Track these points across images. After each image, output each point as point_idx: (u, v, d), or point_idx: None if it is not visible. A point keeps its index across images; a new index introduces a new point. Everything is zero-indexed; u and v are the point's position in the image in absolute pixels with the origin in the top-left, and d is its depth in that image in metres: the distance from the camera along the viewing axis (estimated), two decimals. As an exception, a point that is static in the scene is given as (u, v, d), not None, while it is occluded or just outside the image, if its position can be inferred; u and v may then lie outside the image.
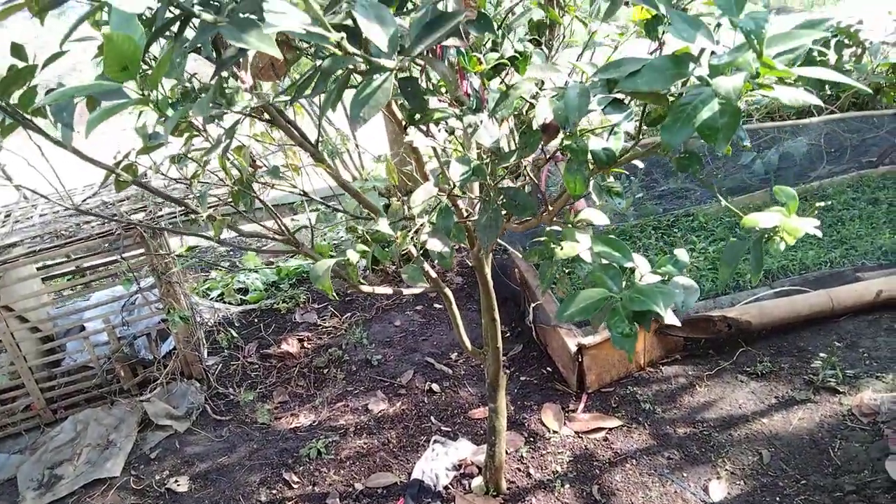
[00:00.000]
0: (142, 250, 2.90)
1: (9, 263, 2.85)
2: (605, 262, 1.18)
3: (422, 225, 1.15)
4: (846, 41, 4.53)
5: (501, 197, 1.14)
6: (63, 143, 1.21)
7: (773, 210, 0.97)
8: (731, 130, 0.86)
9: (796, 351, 2.70)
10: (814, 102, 0.88)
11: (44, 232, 3.02)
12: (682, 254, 1.15)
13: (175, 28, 0.85)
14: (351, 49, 0.81)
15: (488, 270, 1.84)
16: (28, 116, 1.20)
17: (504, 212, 1.16)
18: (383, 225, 1.13)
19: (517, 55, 1.05)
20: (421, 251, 1.38)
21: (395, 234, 1.14)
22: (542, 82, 1.09)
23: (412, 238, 1.29)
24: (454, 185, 1.15)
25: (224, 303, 4.00)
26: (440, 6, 0.92)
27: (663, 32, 1.18)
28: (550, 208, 1.43)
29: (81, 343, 3.24)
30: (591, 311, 1.09)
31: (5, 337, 2.93)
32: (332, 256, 1.29)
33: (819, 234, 1.00)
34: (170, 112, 0.95)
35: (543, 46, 1.43)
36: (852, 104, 4.67)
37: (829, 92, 4.58)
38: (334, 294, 1.22)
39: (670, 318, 1.10)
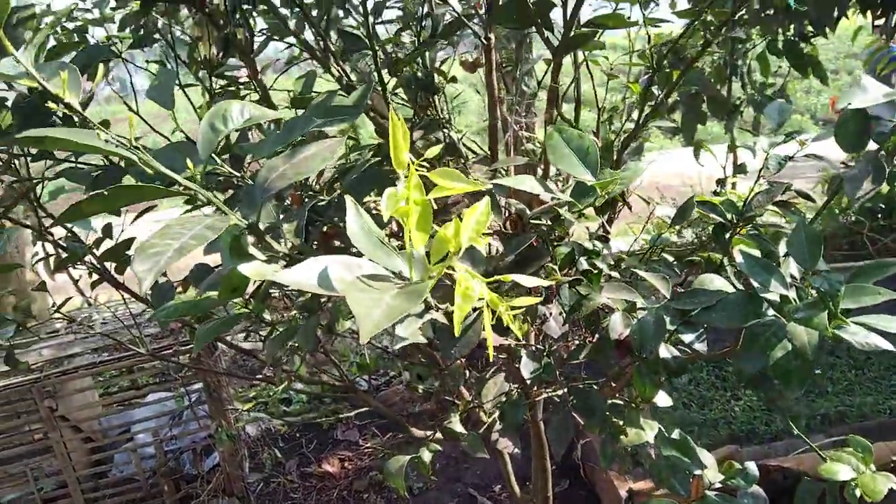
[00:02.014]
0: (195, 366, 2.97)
1: (68, 375, 2.95)
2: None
3: (493, 421, 1.19)
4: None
5: (572, 398, 1.17)
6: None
7: (847, 453, 0.98)
8: (804, 375, 0.89)
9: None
10: (885, 347, 0.91)
11: (104, 343, 3.13)
12: (752, 467, 1.16)
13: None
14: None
15: (541, 415, 1.84)
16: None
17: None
18: (456, 424, 1.17)
19: (591, 269, 1.11)
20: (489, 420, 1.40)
21: (465, 432, 1.17)
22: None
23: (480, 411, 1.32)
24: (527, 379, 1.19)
25: (267, 413, 4.03)
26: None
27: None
28: (613, 385, 1.45)
29: (129, 455, 3.28)
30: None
31: (58, 447, 3.00)
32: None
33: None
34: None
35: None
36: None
37: None
38: (405, 492, 1.25)
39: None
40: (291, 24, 1.12)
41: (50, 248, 1.54)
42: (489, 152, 1.57)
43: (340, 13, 1.25)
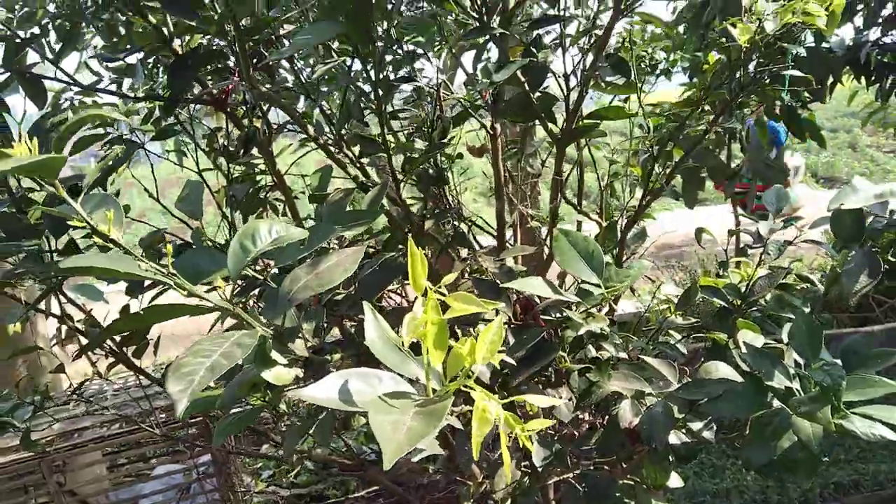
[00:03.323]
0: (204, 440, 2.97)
1: (77, 449, 2.95)
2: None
3: (505, 507, 1.20)
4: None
5: (584, 485, 1.18)
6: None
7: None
8: (811, 467, 0.91)
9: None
10: (891, 438, 0.93)
11: (114, 416, 3.14)
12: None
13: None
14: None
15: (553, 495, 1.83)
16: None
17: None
18: (470, 511, 1.18)
19: (599, 357, 1.14)
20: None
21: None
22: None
23: None
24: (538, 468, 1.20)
25: (275, 484, 3.98)
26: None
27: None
28: (624, 466, 1.46)
29: (135, 530, 3.24)
30: None
31: (65, 523, 2.97)
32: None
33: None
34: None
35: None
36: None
37: None
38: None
39: None
40: (310, 129, 1.18)
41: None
42: (496, 234, 1.62)
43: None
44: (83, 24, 1.92)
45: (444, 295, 0.59)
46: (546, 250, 1.63)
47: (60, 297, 1.45)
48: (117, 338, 1.50)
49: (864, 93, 3.85)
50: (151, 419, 3.12)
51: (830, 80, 3.10)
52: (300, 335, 0.88)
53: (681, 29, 2.91)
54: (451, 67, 1.89)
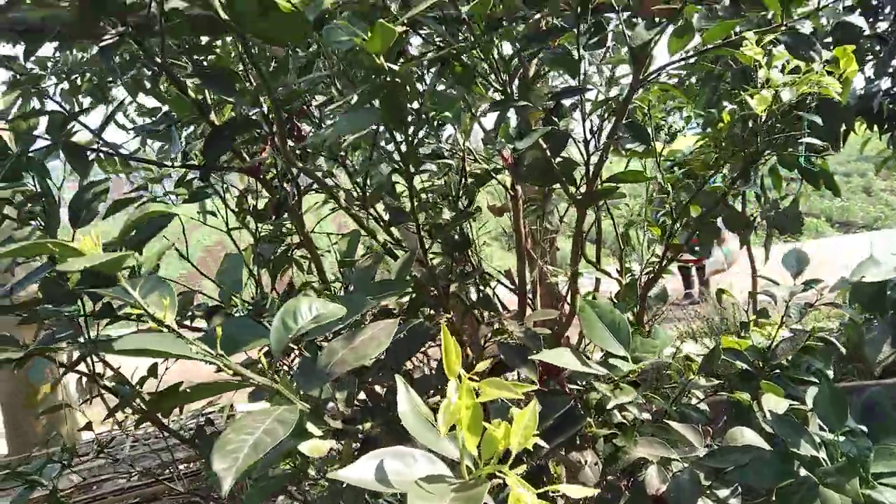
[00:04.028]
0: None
1: (96, 502, 2.95)
2: None
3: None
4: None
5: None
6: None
7: None
8: (843, 540, 0.91)
9: None
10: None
11: (133, 469, 3.14)
12: None
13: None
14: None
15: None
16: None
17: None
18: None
19: (625, 422, 1.15)
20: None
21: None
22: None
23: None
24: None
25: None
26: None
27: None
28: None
29: (151, 584, 3.21)
30: None
31: (81, 577, 2.95)
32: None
33: None
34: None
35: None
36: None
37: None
38: None
39: None
40: (342, 199, 1.23)
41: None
42: (517, 291, 1.65)
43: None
44: (111, 80, 2.01)
45: (477, 381, 0.61)
46: (566, 308, 1.65)
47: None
48: (146, 395, 1.53)
49: (876, 138, 3.88)
50: (171, 471, 3.12)
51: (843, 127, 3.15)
52: (334, 405, 0.90)
53: (693, 78, 2.97)
54: (470, 125, 1.95)
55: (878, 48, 2.77)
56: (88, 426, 1.67)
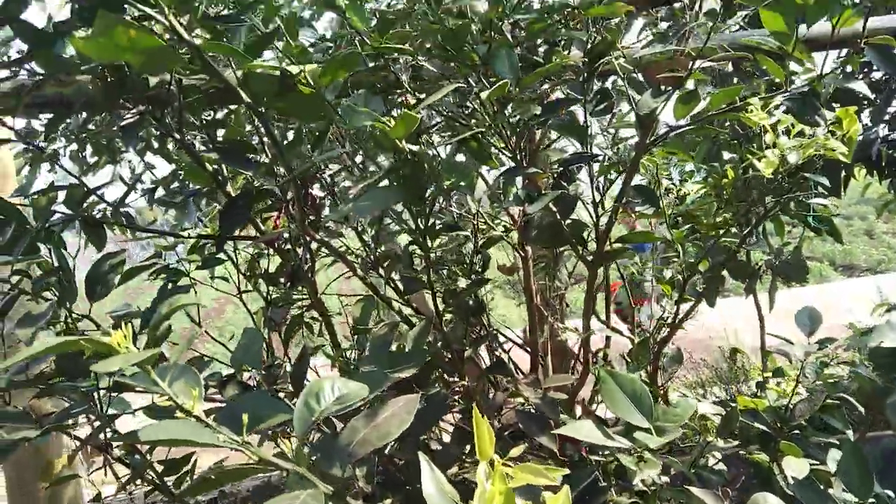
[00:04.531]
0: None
1: (101, 568, 2.88)
2: None
3: None
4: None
5: None
6: None
7: None
8: None
9: None
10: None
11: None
12: None
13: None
14: None
15: None
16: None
17: None
18: None
19: (646, 489, 1.14)
20: None
21: None
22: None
23: None
24: None
25: None
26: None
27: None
28: None
29: None
30: None
31: None
32: None
33: None
34: None
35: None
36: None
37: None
38: None
39: None
40: (358, 270, 1.24)
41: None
42: (529, 352, 1.65)
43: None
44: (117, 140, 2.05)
45: (511, 465, 0.61)
46: (579, 366, 1.65)
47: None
48: (158, 467, 1.51)
49: (876, 181, 3.92)
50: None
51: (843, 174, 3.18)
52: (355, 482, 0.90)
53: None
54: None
55: (873, 96, 2.83)
56: (98, 498, 1.64)
